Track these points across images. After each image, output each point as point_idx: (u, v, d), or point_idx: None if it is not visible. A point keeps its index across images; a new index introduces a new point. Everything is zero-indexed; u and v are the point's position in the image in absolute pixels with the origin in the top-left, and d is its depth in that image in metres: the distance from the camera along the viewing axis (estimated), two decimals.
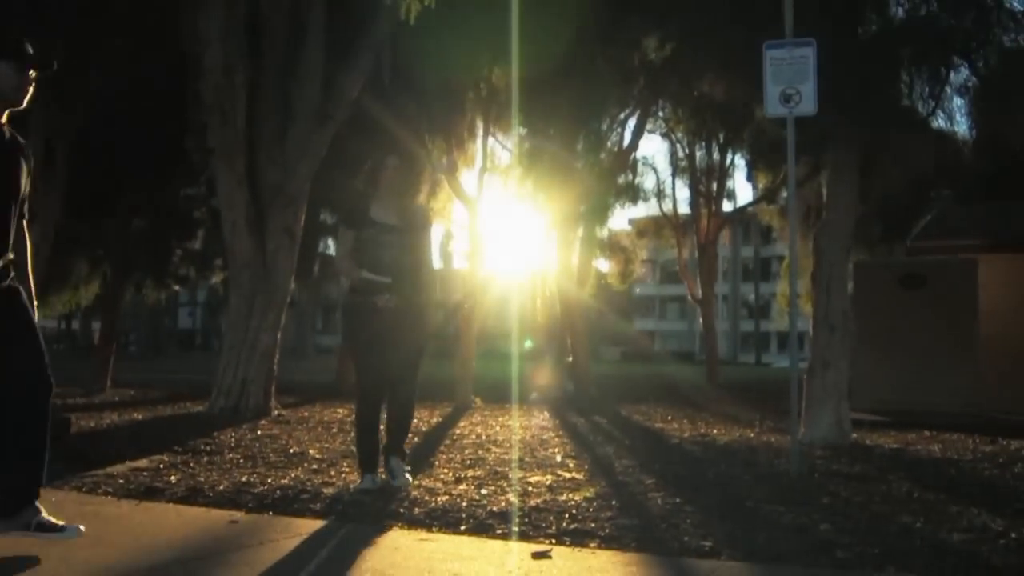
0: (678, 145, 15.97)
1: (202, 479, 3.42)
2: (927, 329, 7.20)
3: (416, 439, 5.04)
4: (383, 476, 3.18)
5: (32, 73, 2.27)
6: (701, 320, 17.51)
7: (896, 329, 7.31)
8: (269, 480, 3.41)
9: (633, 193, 14.46)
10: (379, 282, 3.07)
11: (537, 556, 2.26)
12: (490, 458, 4.15)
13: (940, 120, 5.33)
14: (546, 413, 7.39)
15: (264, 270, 6.63)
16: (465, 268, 9.79)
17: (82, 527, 2.29)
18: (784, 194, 11.61)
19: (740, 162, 16.31)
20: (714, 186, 15.73)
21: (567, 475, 3.60)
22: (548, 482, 3.41)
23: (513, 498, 3.05)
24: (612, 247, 17.55)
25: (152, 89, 7.43)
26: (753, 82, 4.08)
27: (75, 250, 9.38)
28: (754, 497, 3.14)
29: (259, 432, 5.27)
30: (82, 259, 9.92)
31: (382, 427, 3.28)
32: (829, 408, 5.05)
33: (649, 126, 13.34)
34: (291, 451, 4.33)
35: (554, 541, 2.43)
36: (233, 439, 4.84)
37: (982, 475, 3.79)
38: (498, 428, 5.81)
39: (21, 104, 2.27)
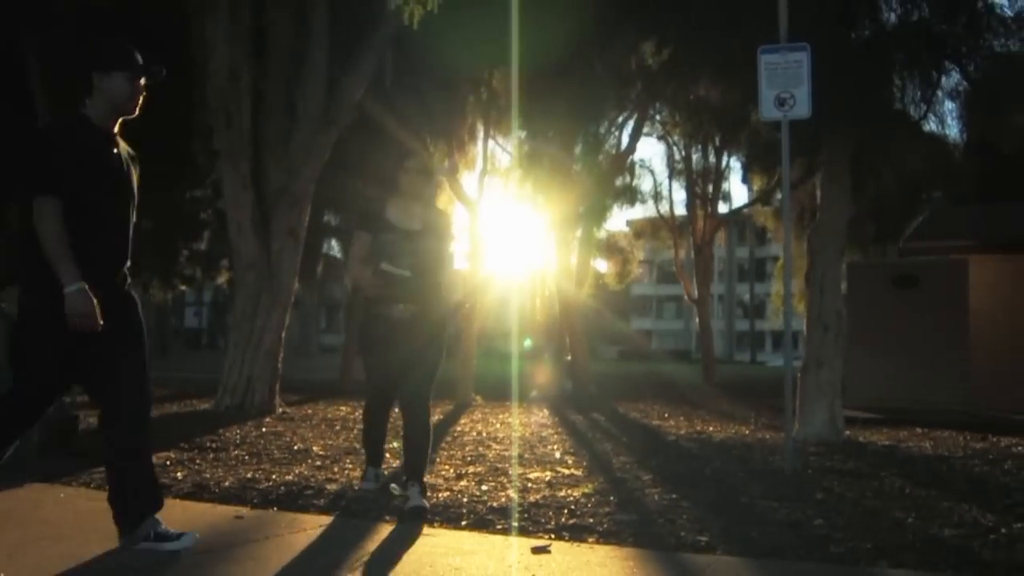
0: (675, 148, 16.07)
1: (208, 475, 3.45)
2: (919, 328, 7.27)
3: None
4: (396, 492, 2.96)
5: (142, 82, 2.30)
6: (697, 319, 17.58)
7: (889, 328, 7.39)
8: (274, 476, 3.43)
9: (631, 195, 14.56)
10: (398, 275, 2.82)
11: (536, 551, 2.28)
12: (490, 455, 4.20)
13: (932, 123, 5.41)
14: (545, 411, 7.43)
15: (269, 270, 6.69)
16: (466, 268, 9.85)
17: (197, 534, 2.27)
18: (779, 196, 11.66)
19: (736, 164, 16.42)
20: (710, 188, 15.81)
21: (566, 471, 3.64)
22: (547, 478, 3.45)
23: (513, 494, 3.08)
24: (610, 248, 17.63)
25: (158, 92, 7.47)
26: (748, 86, 4.14)
27: None
28: (749, 493, 3.17)
29: (264, 429, 5.30)
30: None
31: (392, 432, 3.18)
32: (823, 406, 5.11)
33: (646, 129, 13.42)
34: (295, 448, 4.36)
35: (553, 536, 2.46)
36: (238, 436, 4.86)
37: (973, 471, 3.83)
38: (498, 425, 5.85)
39: (133, 113, 2.30)
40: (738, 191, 57.33)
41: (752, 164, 13.48)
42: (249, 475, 3.46)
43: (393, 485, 3.05)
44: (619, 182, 13.20)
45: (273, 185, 6.76)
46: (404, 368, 2.89)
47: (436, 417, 6.53)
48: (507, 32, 6.06)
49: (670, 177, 16.84)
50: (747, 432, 5.68)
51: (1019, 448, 4.71)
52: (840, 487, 3.31)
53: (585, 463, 3.95)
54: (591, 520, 2.66)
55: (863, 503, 2.99)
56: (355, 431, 5.32)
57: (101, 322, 2.12)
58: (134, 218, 2.35)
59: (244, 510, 2.82)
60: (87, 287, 2.10)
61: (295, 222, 6.79)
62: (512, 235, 12.83)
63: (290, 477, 3.43)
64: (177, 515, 2.75)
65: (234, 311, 7.24)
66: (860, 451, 4.59)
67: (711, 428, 6.00)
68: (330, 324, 42.34)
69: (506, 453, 4.26)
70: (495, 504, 2.91)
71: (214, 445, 4.42)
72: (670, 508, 2.88)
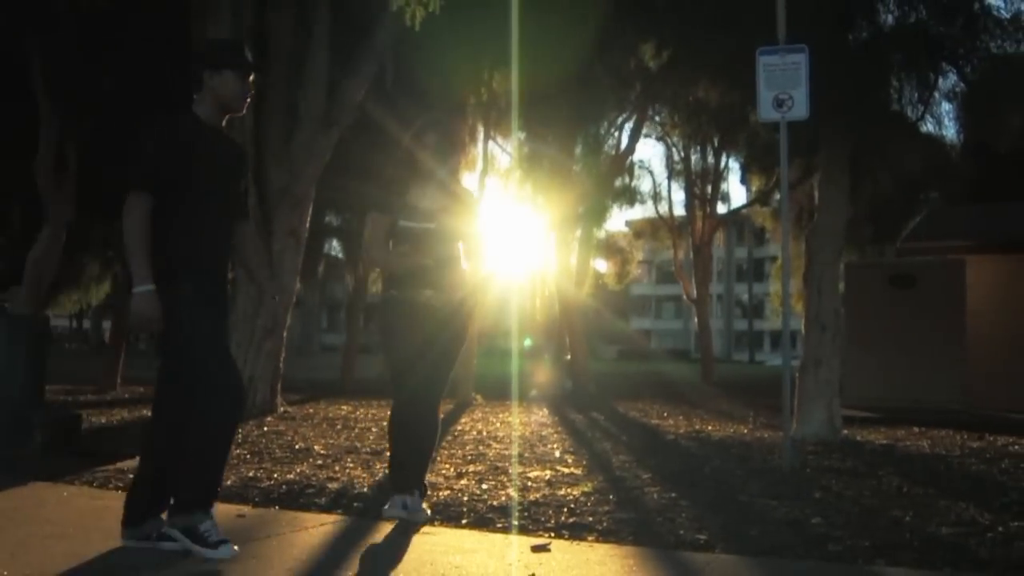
0: (674, 149, 16.13)
1: None
2: (916, 328, 7.30)
3: None
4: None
5: (251, 80, 2.30)
6: (696, 319, 17.60)
7: (886, 328, 7.41)
8: (275, 475, 3.44)
9: (630, 196, 14.61)
10: (422, 230, 2.58)
11: (536, 549, 2.29)
12: (490, 454, 4.21)
13: (929, 124, 5.44)
14: (545, 410, 7.44)
15: (270, 270, 6.72)
16: (466, 268, 9.86)
17: (236, 547, 2.20)
18: (777, 196, 11.70)
19: (734, 165, 16.49)
20: (709, 189, 15.86)
21: (566, 470, 3.65)
22: (547, 477, 3.46)
23: (513, 493, 3.09)
24: (609, 248, 17.68)
25: (162, 93, 7.50)
26: (747, 87, 4.16)
27: (87, 251, 9.42)
28: (748, 492, 3.18)
29: (265, 428, 5.31)
30: (93, 259, 9.97)
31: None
32: (821, 405, 5.14)
33: (645, 130, 13.47)
34: (297, 447, 4.37)
35: (553, 534, 2.46)
36: (240, 435, 4.85)
37: (970, 470, 3.84)
38: (498, 424, 5.86)
39: (241, 111, 2.33)
40: (737, 192, 57.59)
41: (751, 165, 13.53)
42: (251, 474, 3.47)
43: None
44: (618, 183, 13.25)
45: (274, 186, 6.79)
46: (424, 362, 2.61)
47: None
48: (507, 34, 6.09)
49: (669, 178, 16.91)
50: (746, 431, 5.70)
51: (1016, 447, 4.73)
52: (838, 486, 3.32)
53: (585, 462, 3.96)
54: (591, 519, 2.67)
55: (861, 502, 3.01)
56: (356, 430, 5.33)
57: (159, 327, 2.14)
58: (247, 216, 2.38)
59: (246, 509, 2.83)
60: (155, 291, 2.12)
61: (296, 223, 6.83)
62: (512, 235, 12.85)
63: (292, 476, 3.44)
64: None
65: (235, 311, 7.26)
66: (858, 450, 4.61)
67: (710, 427, 6.02)
68: (331, 324, 42.40)
69: (506, 452, 4.27)
70: (495, 503, 2.92)
71: None
72: (669, 507, 2.90)
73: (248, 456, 4.03)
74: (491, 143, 10.86)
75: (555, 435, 5.18)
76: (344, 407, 7.18)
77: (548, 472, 3.59)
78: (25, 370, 3.86)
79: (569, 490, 3.16)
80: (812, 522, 2.65)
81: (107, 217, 8.71)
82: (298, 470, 3.60)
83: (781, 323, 4.36)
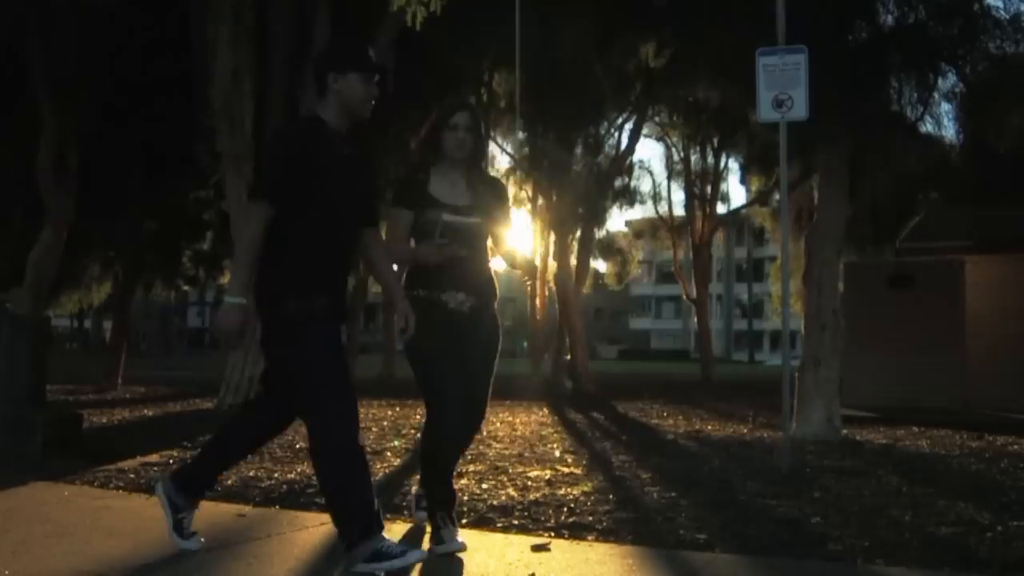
0: (673, 149, 16.15)
1: None
2: (915, 328, 7.31)
3: (418, 435, 5.09)
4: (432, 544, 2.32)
5: (376, 85, 2.18)
6: (696, 319, 17.62)
7: (886, 328, 7.42)
8: (276, 475, 3.45)
9: (630, 196, 14.62)
10: (463, 225, 2.33)
11: (536, 549, 2.29)
12: (490, 453, 4.21)
13: (928, 125, 5.45)
14: (545, 410, 7.45)
15: None
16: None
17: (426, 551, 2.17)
18: (776, 197, 11.72)
19: (734, 165, 16.49)
20: (708, 189, 15.88)
21: (566, 470, 3.66)
22: (547, 477, 3.47)
23: (513, 492, 3.09)
24: (609, 248, 17.69)
25: (163, 95, 7.54)
26: (746, 88, 4.17)
27: (88, 251, 9.45)
28: (747, 491, 3.19)
29: None
30: (94, 260, 10.00)
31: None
32: (820, 405, 5.15)
33: (645, 130, 13.50)
34: (297, 446, 4.35)
35: (553, 534, 2.47)
36: None
37: (969, 470, 3.85)
38: (498, 424, 5.86)
39: (366, 116, 2.19)
40: (736, 192, 57.60)
41: (750, 165, 13.55)
42: (251, 473, 3.48)
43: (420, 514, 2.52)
44: (618, 183, 13.26)
45: None
46: (460, 375, 2.32)
47: None
48: (508, 34, 6.10)
49: (669, 178, 16.94)
50: (745, 431, 5.71)
51: (1015, 447, 4.74)
52: (838, 485, 3.33)
53: (584, 462, 3.97)
54: (590, 518, 2.68)
55: (860, 501, 3.01)
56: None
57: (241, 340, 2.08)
58: (375, 223, 2.27)
59: (247, 508, 2.84)
60: (243, 305, 2.05)
61: None
62: (512, 235, 12.85)
63: (292, 475, 3.45)
64: None
65: None
66: (857, 449, 4.62)
67: (709, 427, 6.03)
68: None
69: (506, 452, 4.27)
70: (495, 502, 2.93)
71: None
72: (669, 506, 2.90)
73: (248, 455, 4.03)
74: (492, 143, 10.86)
75: (555, 435, 5.19)
76: None
77: (548, 472, 3.60)
78: (26, 370, 3.87)
79: (569, 490, 3.16)
80: (811, 522, 2.66)
81: (108, 217, 8.75)
82: (299, 469, 3.61)
83: (781, 323, 4.37)
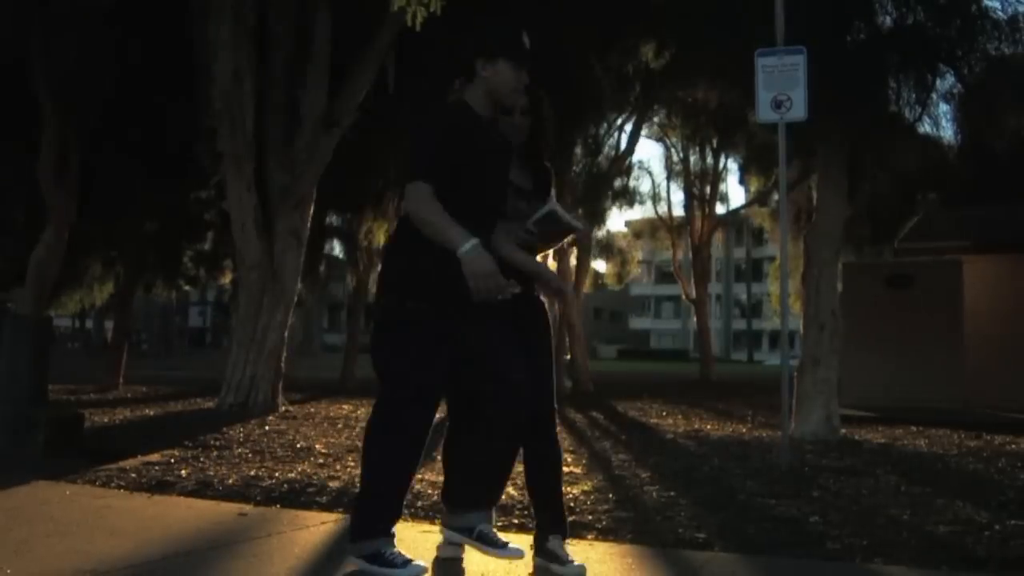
0: (673, 149, 16.18)
1: (212, 473, 3.47)
2: (914, 328, 7.34)
3: None
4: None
5: (526, 74, 2.01)
6: (695, 319, 17.65)
7: (884, 328, 7.45)
8: (277, 474, 3.46)
9: (629, 196, 14.65)
10: (568, 225, 2.11)
11: None
12: None
13: (926, 125, 5.47)
14: None
15: (272, 271, 6.77)
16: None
17: (524, 550, 2.08)
18: (775, 197, 11.75)
19: (733, 166, 16.52)
20: (708, 189, 15.91)
21: (565, 469, 3.62)
22: None
23: (513, 491, 3.07)
24: (609, 248, 17.71)
25: (164, 95, 7.55)
26: (745, 89, 4.19)
27: (89, 251, 9.46)
28: (746, 490, 3.20)
29: (267, 427, 5.34)
30: (96, 260, 10.01)
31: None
32: (819, 404, 5.16)
33: (645, 131, 13.53)
34: (298, 446, 4.39)
35: None
36: (242, 434, 4.90)
37: (967, 469, 3.87)
38: None
39: (514, 104, 2.04)
40: (735, 192, 57.60)
41: (749, 166, 13.57)
42: (252, 473, 3.49)
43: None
44: (618, 183, 13.29)
45: (276, 187, 6.84)
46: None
47: (437, 415, 6.55)
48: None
49: (668, 178, 16.98)
50: (744, 430, 5.73)
51: (1012, 446, 4.76)
52: (836, 484, 3.35)
53: (584, 461, 3.98)
54: (590, 517, 2.69)
55: (859, 500, 3.03)
56: (357, 429, 5.34)
57: (511, 283, 1.88)
58: (504, 214, 2.10)
59: (248, 507, 2.84)
60: (481, 244, 1.87)
61: (298, 223, 6.87)
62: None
63: (293, 475, 3.46)
64: (182, 512, 2.78)
65: (237, 311, 7.31)
66: (856, 449, 4.64)
67: (708, 426, 6.05)
68: (332, 324, 42.57)
69: None
70: None
71: (218, 443, 4.45)
72: (668, 505, 2.92)
73: (250, 455, 4.05)
74: None
75: None
76: (345, 406, 7.22)
77: None
78: (28, 370, 3.88)
79: (568, 489, 3.17)
80: (810, 520, 2.67)
81: (109, 217, 8.75)
82: (299, 469, 3.62)
83: (779, 323, 4.39)
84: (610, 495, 3.08)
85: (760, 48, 3.94)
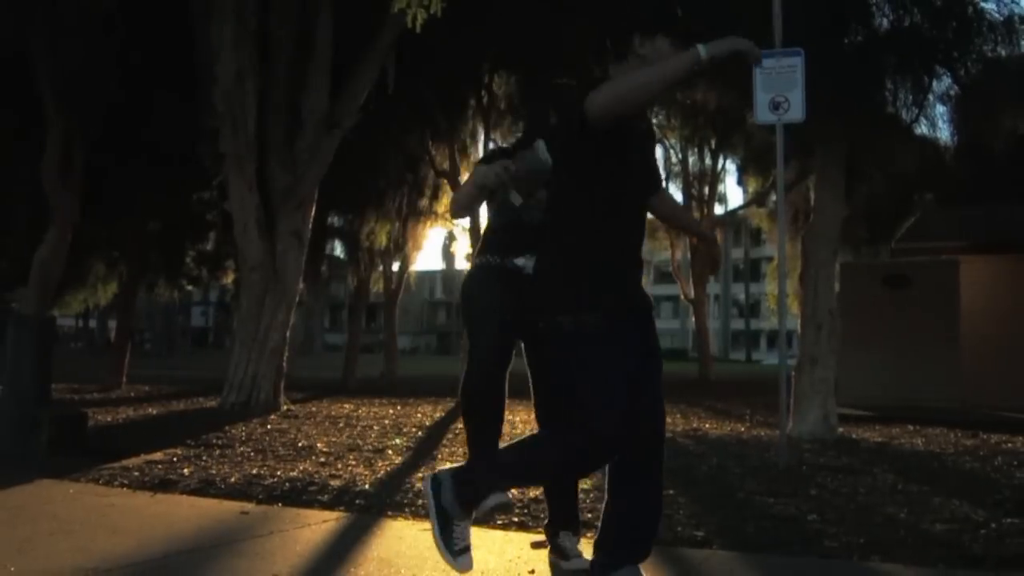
0: (671, 150, 16.19)
1: (214, 472, 3.49)
2: (911, 327, 7.37)
3: (419, 433, 5.13)
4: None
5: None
6: (694, 318, 17.67)
7: (881, 327, 7.48)
8: (278, 473, 3.48)
9: None
10: (541, 163, 1.88)
11: (536, 545, 2.31)
12: None
13: (923, 126, 5.49)
14: None
15: (274, 271, 6.80)
16: (467, 269, 9.91)
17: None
18: (773, 198, 11.78)
19: (731, 167, 16.54)
20: (706, 190, 15.94)
21: None
22: None
23: (513, 490, 3.13)
24: None
25: (167, 96, 7.57)
26: (743, 90, 4.21)
27: (92, 251, 9.49)
28: (744, 489, 3.22)
29: (269, 426, 5.36)
30: (99, 260, 10.04)
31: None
32: (816, 403, 5.19)
33: None
34: (300, 445, 4.40)
35: None
36: (244, 433, 4.92)
37: (964, 468, 3.89)
38: None
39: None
40: (734, 193, 57.66)
41: (747, 166, 13.60)
42: (254, 471, 3.51)
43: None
44: None
45: (278, 188, 6.87)
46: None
47: (438, 414, 6.61)
48: (507, 37, 6.13)
49: (667, 179, 16.93)
50: (742, 429, 5.75)
51: (1009, 445, 4.78)
52: (834, 483, 3.36)
53: None
54: (589, 515, 2.69)
55: (856, 499, 3.04)
56: (358, 428, 5.37)
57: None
58: (660, 186, 1.96)
59: (249, 506, 2.85)
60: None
61: (299, 224, 6.90)
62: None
63: (294, 473, 3.47)
64: (184, 511, 2.79)
65: (240, 311, 7.34)
66: (853, 448, 4.65)
67: (707, 425, 6.07)
68: (334, 323, 42.69)
69: None
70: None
71: (220, 442, 4.46)
72: (667, 503, 2.90)
73: (252, 454, 4.07)
74: (491, 144, 10.90)
75: None
76: (346, 405, 7.24)
77: None
78: (32, 369, 3.90)
79: None
80: (808, 519, 2.69)
81: (112, 218, 8.77)
82: (301, 467, 3.63)
83: (777, 323, 4.41)
84: None
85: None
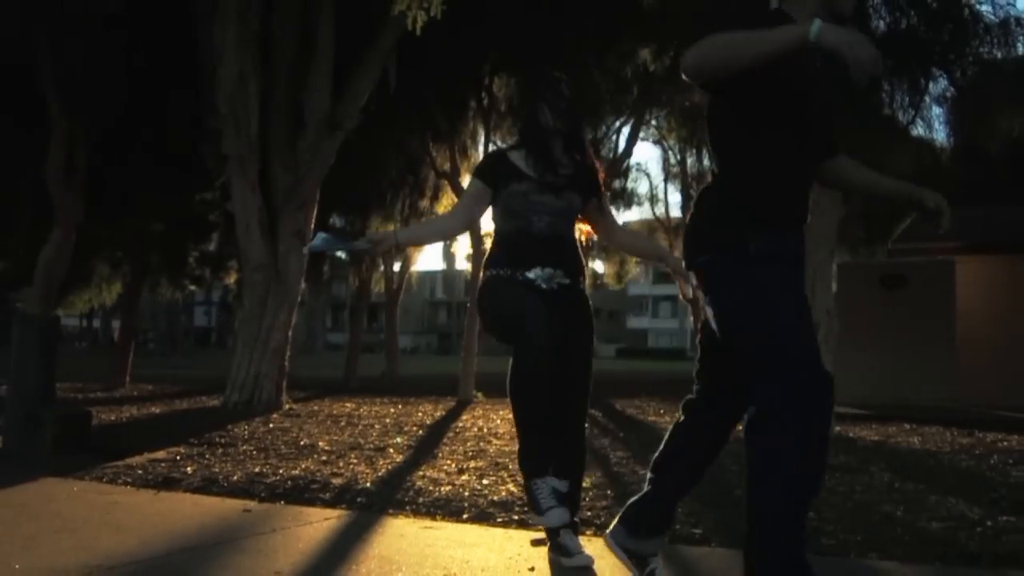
0: (670, 152, 16.24)
1: (217, 470, 3.50)
2: (907, 327, 7.40)
3: (420, 432, 5.16)
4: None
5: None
6: (692, 318, 17.71)
7: (878, 327, 7.51)
8: (281, 471, 3.49)
9: (627, 198, 14.69)
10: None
11: (536, 543, 2.31)
12: (491, 450, 4.26)
13: (920, 128, 5.53)
14: None
15: (276, 271, 6.83)
16: (467, 269, 9.94)
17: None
18: None
19: None
20: None
21: None
22: None
23: (513, 488, 3.12)
24: (608, 248, 17.71)
25: (170, 97, 7.61)
26: None
27: (96, 251, 9.52)
28: (742, 486, 3.24)
29: (271, 425, 5.38)
30: (103, 260, 10.08)
31: None
32: None
33: (642, 133, 13.56)
34: (302, 443, 4.42)
35: None
36: (246, 432, 4.94)
37: (960, 466, 3.90)
38: (499, 421, 5.89)
39: (849, 13, 1.63)
40: None
41: None
42: (257, 470, 3.52)
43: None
44: (616, 185, 13.34)
45: (280, 188, 6.90)
46: (558, 367, 2.01)
47: (439, 413, 6.63)
48: (507, 38, 6.15)
49: (666, 180, 17.05)
50: (740, 428, 5.76)
51: (1004, 443, 4.80)
52: (831, 481, 3.36)
53: None
54: (589, 513, 2.71)
55: (853, 497, 3.05)
56: (360, 427, 5.39)
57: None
58: (833, 151, 1.74)
59: (252, 504, 2.86)
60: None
61: (301, 224, 6.93)
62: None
63: (296, 472, 3.49)
64: (187, 508, 2.80)
65: (242, 311, 7.39)
66: (850, 446, 4.67)
67: None
68: (335, 323, 42.71)
69: (506, 448, 4.31)
70: (496, 498, 2.96)
71: (223, 440, 4.48)
72: None
73: (254, 452, 4.09)
74: (491, 146, 10.94)
75: None
76: (348, 404, 7.27)
77: None
78: (36, 368, 3.92)
79: None
80: None
81: (116, 218, 8.80)
82: (303, 466, 3.65)
83: None
84: (609, 491, 3.10)
85: None
